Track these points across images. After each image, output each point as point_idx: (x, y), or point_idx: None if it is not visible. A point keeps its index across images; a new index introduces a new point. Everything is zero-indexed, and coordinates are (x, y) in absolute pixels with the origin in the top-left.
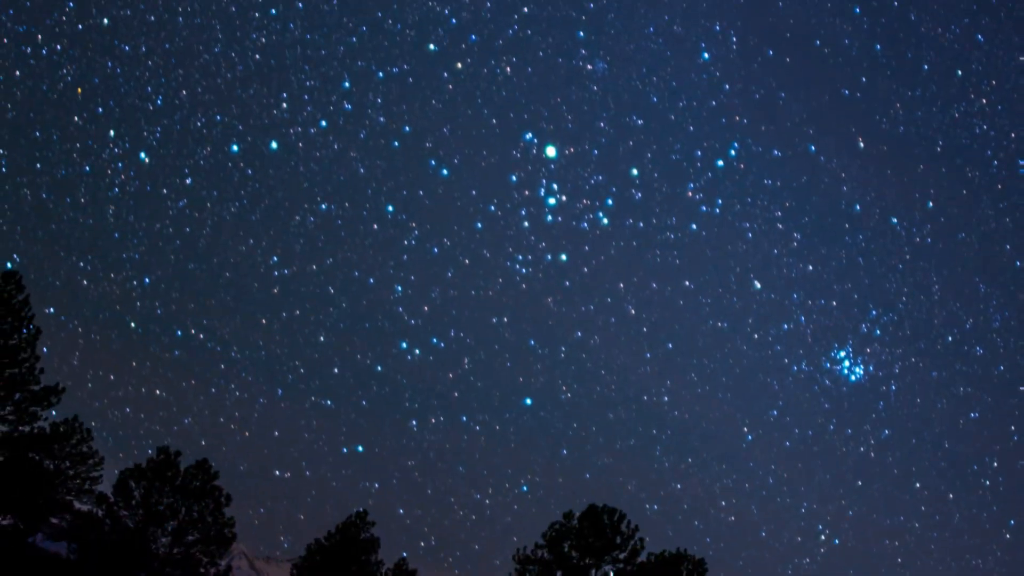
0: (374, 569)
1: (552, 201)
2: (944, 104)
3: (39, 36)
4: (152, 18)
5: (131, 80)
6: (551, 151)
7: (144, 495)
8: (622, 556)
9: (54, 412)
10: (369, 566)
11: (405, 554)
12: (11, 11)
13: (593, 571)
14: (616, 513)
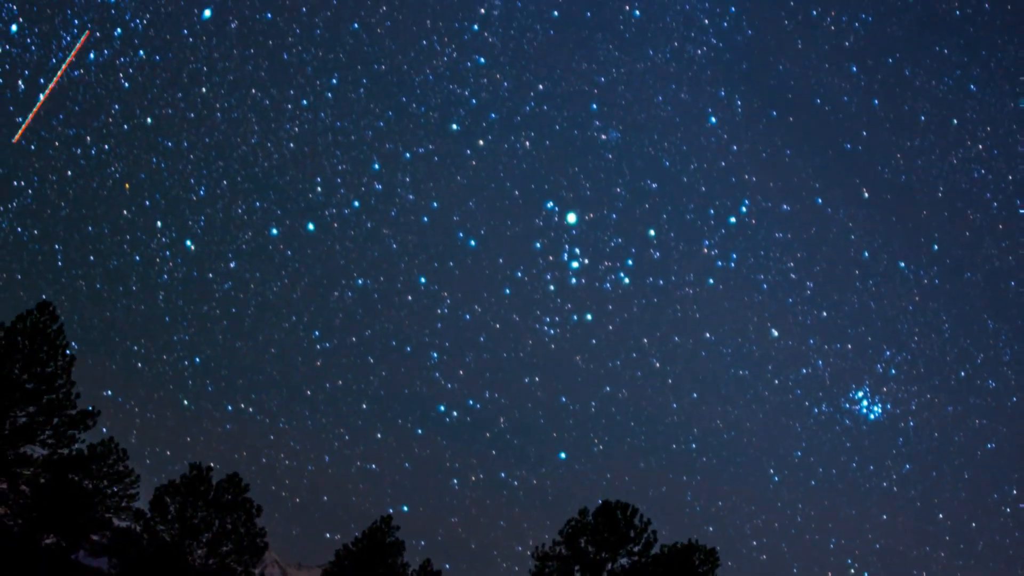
0: (401, 571)
1: (575, 264)
2: (942, 152)
3: (88, 138)
4: (192, 115)
5: (175, 173)
6: (572, 217)
7: (179, 510)
8: (636, 549)
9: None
10: (396, 568)
11: (429, 557)
12: (61, 116)
13: (609, 564)
14: (629, 508)
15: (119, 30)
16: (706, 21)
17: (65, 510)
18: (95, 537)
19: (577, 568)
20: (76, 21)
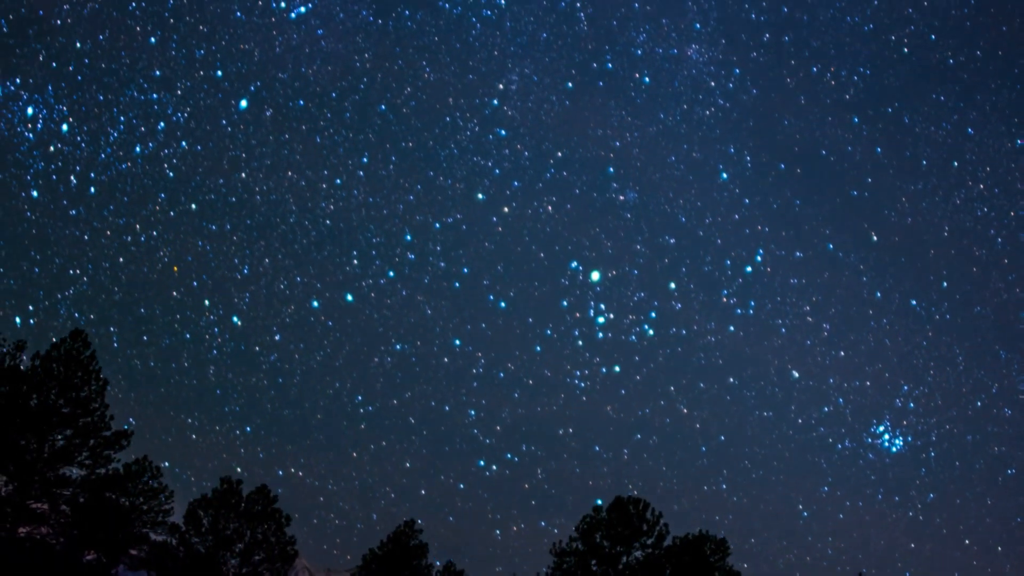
0: (425, 572)
1: (601, 320)
2: (945, 193)
3: (137, 226)
4: (233, 199)
5: (220, 255)
6: (595, 275)
7: (212, 522)
8: (649, 542)
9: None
10: (420, 569)
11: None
12: (111, 207)
13: (624, 557)
14: (641, 503)
15: (162, 123)
16: (712, 84)
17: (104, 527)
18: (133, 552)
19: (594, 562)
20: (122, 119)
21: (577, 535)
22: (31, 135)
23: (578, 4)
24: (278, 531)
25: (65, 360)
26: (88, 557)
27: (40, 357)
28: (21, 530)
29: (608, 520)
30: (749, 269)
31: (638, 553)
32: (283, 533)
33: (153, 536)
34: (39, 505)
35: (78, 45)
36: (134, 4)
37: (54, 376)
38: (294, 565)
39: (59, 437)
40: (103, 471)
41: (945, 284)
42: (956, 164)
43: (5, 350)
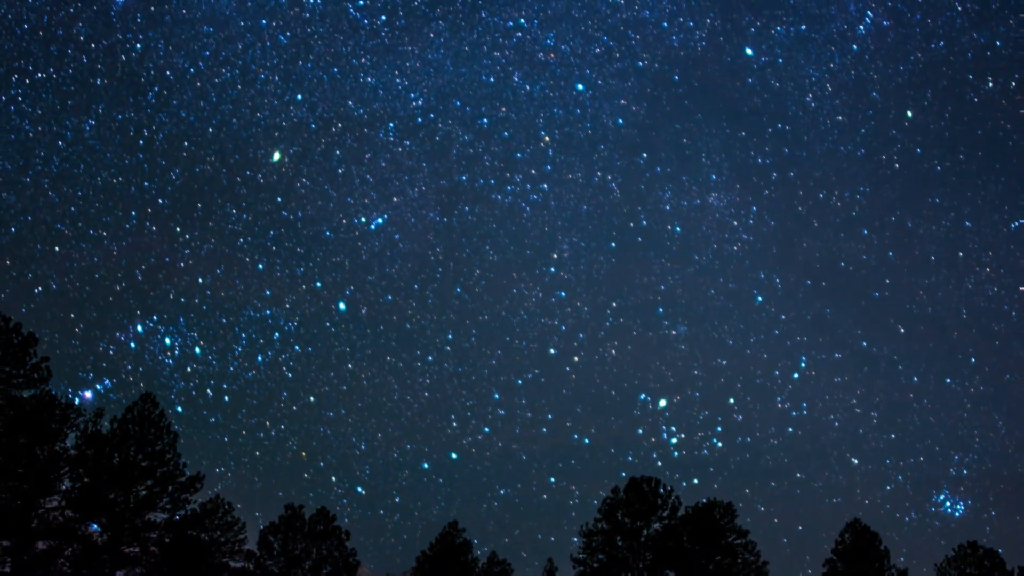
0: (471, 565)
1: (674, 440)
2: (957, 281)
3: (267, 422)
4: (344, 387)
5: (339, 436)
6: (662, 403)
7: (282, 545)
8: (665, 514)
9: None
10: (467, 563)
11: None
12: (244, 410)
13: (645, 531)
14: (653, 480)
15: (276, 334)
16: (735, 223)
17: (188, 562)
18: None
19: (619, 538)
20: (243, 335)
21: (601, 516)
22: (171, 360)
23: (609, 176)
24: (340, 546)
25: (139, 420)
26: None
27: (117, 420)
28: (118, 573)
29: (626, 499)
30: (796, 375)
31: (656, 525)
32: (344, 547)
33: (232, 564)
34: (131, 549)
35: (200, 280)
36: (241, 240)
37: (131, 435)
38: (358, 574)
39: (141, 488)
40: (183, 512)
41: (973, 360)
42: (961, 254)
43: (88, 418)
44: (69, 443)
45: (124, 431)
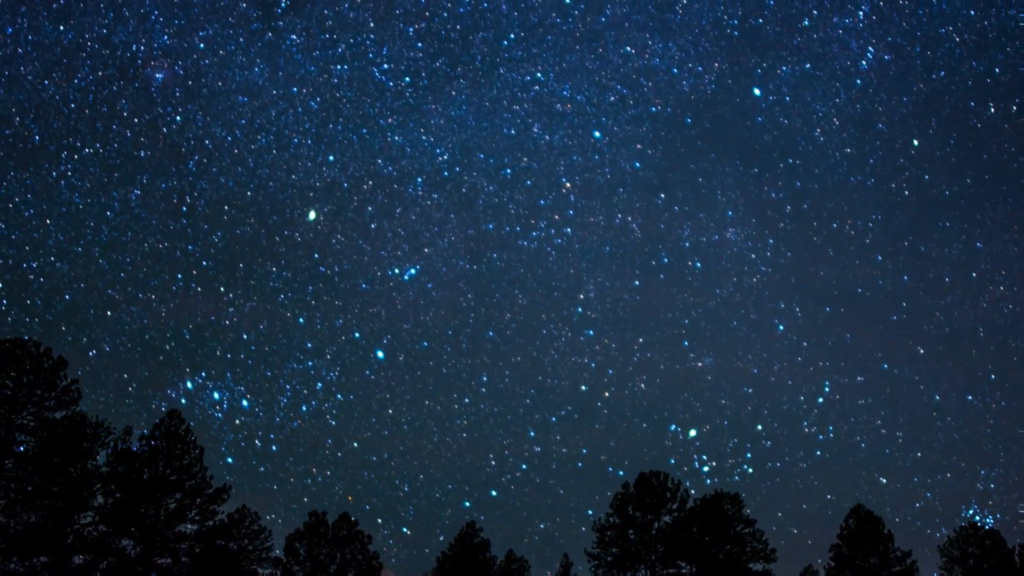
0: (490, 563)
1: (706, 468)
2: (972, 301)
3: (313, 469)
4: (386, 432)
5: (383, 479)
6: (692, 432)
7: (307, 550)
8: (674, 507)
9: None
10: (485, 561)
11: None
12: (291, 458)
13: (656, 523)
14: (661, 474)
15: (319, 384)
16: (753, 256)
17: (218, 570)
18: None
19: (631, 531)
20: (287, 386)
21: (612, 510)
22: (220, 414)
23: (629, 218)
24: (362, 549)
25: (166, 436)
26: None
27: (145, 437)
28: None
29: (636, 494)
30: (821, 400)
31: (667, 518)
32: (367, 551)
33: (260, 571)
34: (163, 560)
35: (244, 336)
36: (282, 296)
37: (159, 451)
38: (380, 575)
39: (171, 501)
40: (211, 523)
41: (993, 376)
42: (975, 275)
43: (117, 436)
44: (100, 460)
45: (153, 448)
